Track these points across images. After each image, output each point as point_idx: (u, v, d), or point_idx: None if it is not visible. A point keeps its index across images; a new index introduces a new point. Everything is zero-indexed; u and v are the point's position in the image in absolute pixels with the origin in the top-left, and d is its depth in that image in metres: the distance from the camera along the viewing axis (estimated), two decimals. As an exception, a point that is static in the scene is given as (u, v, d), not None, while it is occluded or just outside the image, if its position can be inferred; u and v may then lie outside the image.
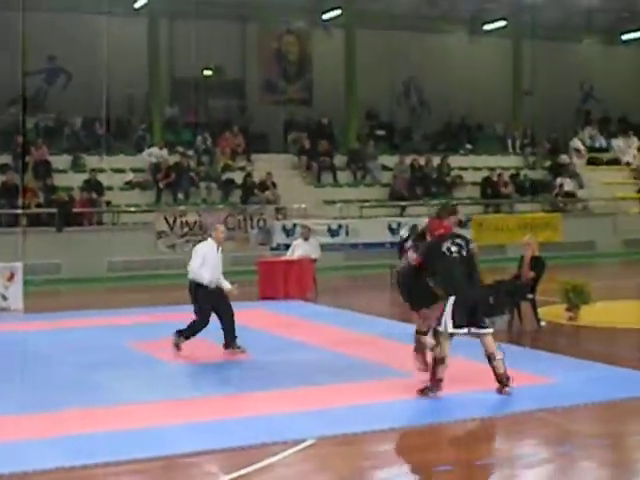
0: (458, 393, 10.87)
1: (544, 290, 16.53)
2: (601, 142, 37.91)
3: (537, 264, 16.01)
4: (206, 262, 13.67)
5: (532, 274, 15.93)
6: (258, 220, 28.67)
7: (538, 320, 15.85)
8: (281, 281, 20.58)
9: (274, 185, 30.10)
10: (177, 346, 13.69)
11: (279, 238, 28.18)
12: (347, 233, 29.02)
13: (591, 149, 37.33)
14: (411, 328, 16.32)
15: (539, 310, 16.02)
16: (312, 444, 8.82)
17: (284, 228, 28.39)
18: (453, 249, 10.78)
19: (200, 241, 15.05)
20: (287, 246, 23.85)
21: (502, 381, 10.61)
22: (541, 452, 8.87)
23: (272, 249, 27.60)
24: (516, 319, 15.81)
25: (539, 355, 13.39)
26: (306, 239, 22.02)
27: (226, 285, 14.00)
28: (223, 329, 13.75)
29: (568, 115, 39.21)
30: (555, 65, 38.47)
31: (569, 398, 10.50)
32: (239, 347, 13.65)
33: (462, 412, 9.95)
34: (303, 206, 29.51)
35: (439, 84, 37.02)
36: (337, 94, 34.24)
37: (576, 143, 36.68)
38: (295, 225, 27.68)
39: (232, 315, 13.80)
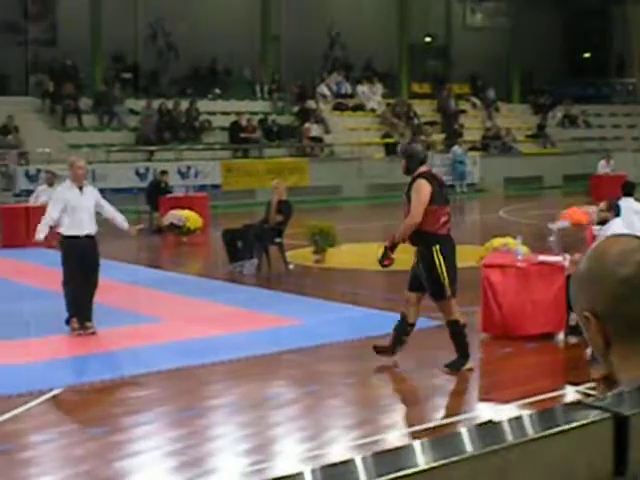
0: (206, 336, 10.92)
1: (292, 234, 16.80)
2: (347, 88, 38.69)
3: (284, 208, 16.19)
4: (67, 208, 11.22)
5: (280, 218, 16.11)
6: (0, 166, 27.67)
7: (286, 263, 16.09)
8: (24, 228, 19.93)
9: (16, 129, 29.08)
10: (77, 330, 11.09)
11: (22, 184, 27.29)
12: (94, 178, 28.39)
13: (337, 95, 38.06)
14: (159, 273, 16.31)
15: (287, 253, 16.26)
16: (60, 393, 8.64)
17: (27, 174, 27.52)
18: None
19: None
20: (30, 192, 23.14)
21: None
22: (289, 392, 9.02)
23: (15, 195, 26.71)
24: (264, 263, 16.00)
25: (287, 298, 13.61)
26: (51, 185, 21.40)
27: (121, 222, 12.04)
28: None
29: (315, 61, 39.76)
30: (303, 10, 38.85)
31: (315, 338, 10.73)
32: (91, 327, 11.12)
33: (214, 355, 9.98)
34: (47, 150, 28.64)
35: (187, 27, 36.63)
36: (82, 35, 33.32)
37: (322, 89, 37.30)
38: (39, 170, 26.85)
39: (95, 282, 11.35)
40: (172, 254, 20.13)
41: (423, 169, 9.30)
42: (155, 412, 8.36)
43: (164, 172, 24.69)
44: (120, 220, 12.04)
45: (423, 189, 9.03)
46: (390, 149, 35.22)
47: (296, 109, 35.91)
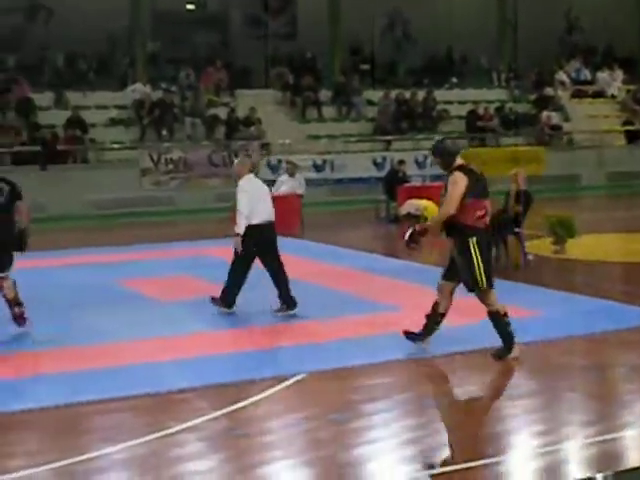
0: (446, 326, 10.95)
1: (530, 224, 16.59)
2: (586, 75, 37.72)
3: (524, 198, 15.99)
4: None
5: (519, 208, 15.92)
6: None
7: (525, 254, 15.90)
8: (268, 217, 20.53)
9: (259, 121, 29.96)
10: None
11: (264, 174, 28.09)
12: (332, 168, 28.98)
13: (576, 82, 37.17)
14: (396, 262, 16.43)
15: (526, 244, 16.07)
16: (302, 379, 8.90)
17: (269, 164, 28.32)
18: None
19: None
20: (272, 182, 23.79)
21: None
22: (527, 384, 8.96)
23: (257, 185, 27.54)
24: (503, 253, 15.87)
25: (526, 289, 13.46)
26: (292, 175, 21.99)
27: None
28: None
29: (553, 47, 38.99)
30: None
31: (555, 330, 10.59)
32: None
33: (451, 345, 10.01)
34: (288, 142, 29.41)
35: (423, 17, 36.70)
36: (321, 28, 33.95)
37: (561, 76, 36.53)
38: (280, 161, 27.59)
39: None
40: (409, 243, 20.23)
41: (459, 162, 9.48)
42: (393, 400, 8.47)
43: (402, 162, 24.86)
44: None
45: (459, 181, 9.23)
46: (631, 136, 34.20)
47: (533, 97, 35.32)
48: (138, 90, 29.97)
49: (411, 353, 9.79)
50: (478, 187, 9.35)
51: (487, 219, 9.48)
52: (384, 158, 29.24)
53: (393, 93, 32.71)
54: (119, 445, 7.33)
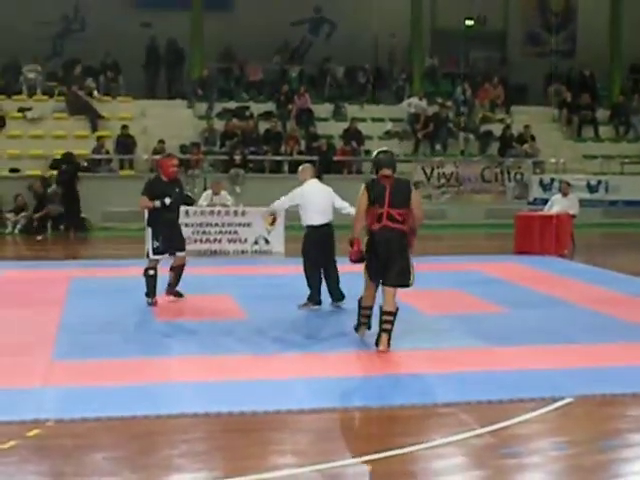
0: None
1: None
2: None
3: None
4: None
5: None
6: (515, 173, 28.44)
7: None
8: (538, 236, 20.32)
9: (533, 138, 29.70)
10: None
11: (536, 192, 27.87)
12: (607, 189, 28.34)
13: None
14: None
15: None
16: (570, 402, 8.78)
17: (541, 182, 28.03)
18: None
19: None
20: (543, 201, 23.57)
21: None
22: None
23: (528, 203, 27.35)
24: None
25: None
26: (565, 194, 21.67)
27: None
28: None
29: None
30: None
31: None
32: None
33: None
34: (562, 160, 29.00)
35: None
36: (601, 46, 33.29)
37: None
38: (553, 180, 27.28)
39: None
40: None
41: (381, 174, 10.90)
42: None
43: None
44: None
45: (360, 194, 10.92)
46: None
47: None
48: (414, 104, 30.37)
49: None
50: (374, 197, 10.73)
51: (383, 222, 10.72)
52: (662, 181, 28.40)
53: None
54: (381, 453, 7.42)
